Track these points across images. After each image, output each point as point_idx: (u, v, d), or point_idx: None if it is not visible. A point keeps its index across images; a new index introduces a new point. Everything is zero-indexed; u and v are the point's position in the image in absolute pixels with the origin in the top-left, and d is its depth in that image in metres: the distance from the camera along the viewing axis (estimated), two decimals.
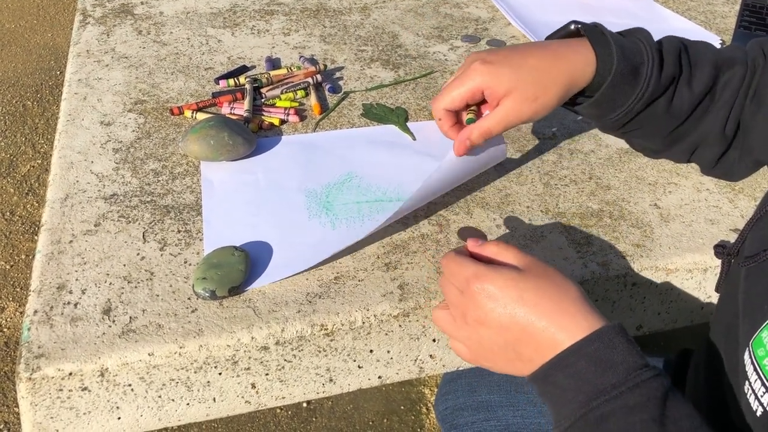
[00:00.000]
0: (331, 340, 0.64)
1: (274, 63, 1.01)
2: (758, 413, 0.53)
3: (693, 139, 0.74)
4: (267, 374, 0.64)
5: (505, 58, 0.69)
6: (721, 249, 0.66)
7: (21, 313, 1.83)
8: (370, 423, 1.61)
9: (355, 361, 0.66)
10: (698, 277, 0.73)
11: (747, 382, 0.54)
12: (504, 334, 0.57)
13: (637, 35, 0.73)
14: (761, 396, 0.52)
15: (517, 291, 0.57)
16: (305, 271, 0.68)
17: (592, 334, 0.53)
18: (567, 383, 0.53)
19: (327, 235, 0.71)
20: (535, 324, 0.55)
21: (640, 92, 0.69)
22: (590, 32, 0.71)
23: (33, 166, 2.31)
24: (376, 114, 0.91)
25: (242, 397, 0.65)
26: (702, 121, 0.73)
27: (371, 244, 0.71)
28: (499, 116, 0.69)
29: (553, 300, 0.56)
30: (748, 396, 0.54)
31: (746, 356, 0.54)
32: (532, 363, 0.56)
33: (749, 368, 0.54)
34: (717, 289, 0.68)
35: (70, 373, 0.58)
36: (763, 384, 0.52)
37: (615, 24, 1.16)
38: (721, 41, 1.10)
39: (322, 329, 0.63)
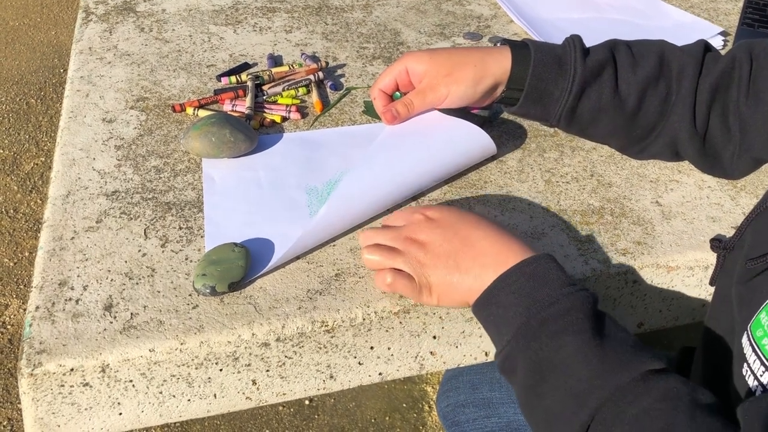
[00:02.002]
0: (332, 337, 0.64)
1: (275, 60, 1.01)
2: (757, 393, 0.53)
3: (667, 134, 0.77)
4: (268, 370, 0.64)
5: (428, 50, 0.80)
6: (716, 243, 0.67)
7: (24, 310, 1.83)
8: (372, 420, 1.61)
9: (355, 357, 0.66)
10: (699, 275, 0.73)
11: (746, 364, 0.54)
12: (446, 246, 0.64)
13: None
14: (760, 376, 0.52)
15: (455, 216, 0.66)
16: (292, 255, 0.68)
17: (530, 257, 0.61)
18: (508, 300, 0.59)
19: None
20: (475, 239, 0.63)
21: (569, 78, 0.74)
22: (509, 41, 0.78)
23: (36, 164, 2.31)
24: (377, 111, 0.90)
25: (243, 393, 0.65)
26: (667, 115, 0.76)
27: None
28: (418, 89, 0.79)
29: (492, 227, 0.65)
30: (747, 378, 0.54)
31: (744, 339, 0.55)
32: (468, 274, 0.62)
33: (747, 350, 0.54)
34: (712, 283, 0.68)
35: (72, 369, 0.58)
36: (763, 363, 0.52)
37: (618, 20, 1.16)
38: (723, 38, 1.10)
39: (322, 326, 0.63)
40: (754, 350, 0.53)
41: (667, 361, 0.55)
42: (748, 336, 0.54)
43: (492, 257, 0.62)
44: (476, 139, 0.78)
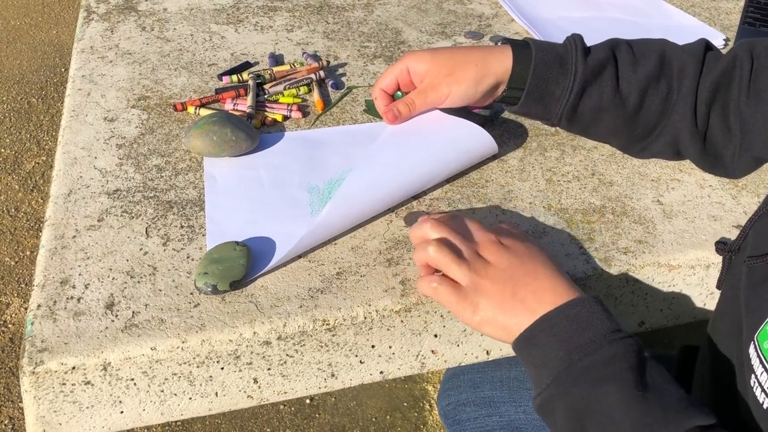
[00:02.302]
0: (333, 335, 0.64)
1: (277, 59, 1.01)
2: (765, 406, 0.53)
3: (668, 133, 0.76)
4: (269, 369, 0.64)
5: (429, 50, 0.79)
6: (722, 246, 0.67)
7: (26, 309, 1.83)
8: (373, 419, 1.61)
9: (356, 356, 0.67)
10: (701, 274, 0.73)
11: (753, 376, 0.54)
12: (509, 272, 0.62)
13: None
14: None
15: (526, 248, 0.64)
16: (294, 254, 0.68)
17: (574, 299, 0.59)
18: (549, 342, 0.57)
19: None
20: (539, 273, 0.62)
21: (571, 77, 0.74)
22: (510, 40, 0.78)
23: (38, 163, 2.31)
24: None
25: (244, 391, 0.65)
26: (668, 114, 0.75)
27: (373, 239, 0.71)
28: (419, 89, 0.78)
29: (556, 268, 0.63)
30: (754, 389, 0.54)
31: (751, 350, 0.54)
32: (523, 305, 0.60)
33: (755, 361, 0.54)
34: (718, 286, 0.68)
35: (73, 367, 0.59)
36: None
37: (620, 20, 1.16)
38: (725, 38, 1.10)
39: (323, 324, 0.63)
40: (761, 362, 0.53)
41: (667, 360, 0.54)
42: (755, 346, 0.54)
43: (551, 294, 0.60)
44: (478, 139, 0.79)
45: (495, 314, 0.60)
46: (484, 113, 0.84)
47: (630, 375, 0.54)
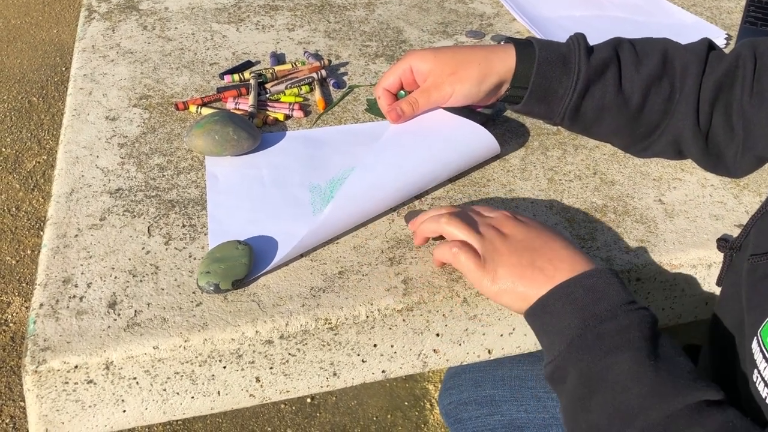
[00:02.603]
0: (335, 335, 0.64)
1: (278, 58, 1.01)
2: None
3: (670, 132, 0.76)
4: (271, 368, 0.64)
5: (432, 49, 0.79)
6: (723, 243, 0.67)
7: (27, 308, 1.83)
8: (374, 419, 1.61)
9: (359, 355, 0.67)
10: (702, 273, 0.73)
11: (756, 371, 0.54)
12: (526, 242, 0.63)
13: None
14: None
15: (541, 224, 0.66)
16: (295, 252, 0.68)
17: (590, 270, 0.59)
18: (564, 309, 0.58)
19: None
20: (556, 244, 0.62)
21: (574, 77, 0.74)
22: (513, 39, 0.78)
23: (38, 162, 2.31)
24: (380, 109, 0.91)
25: (246, 390, 0.65)
26: (670, 113, 0.76)
27: (374, 239, 0.71)
28: (423, 88, 0.78)
29: (572, 243, 0.64)
30: (757, 384, 0.54)
31: (754, 345, 0.54)
32: (542, 273, 0.60)
33: (758, 356, 0.54)
34: (718, 283, 0.68)
35: (76, 366, 0.59)
36: None
37: (621, 18, 1.16)
38: (726, 35, 1.10)
39: (326, 323, 0.63)
40: (765, 357, 0.53)
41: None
42: (758, 342, 0.54)
43: (568, 263, 0.60)
44: (480, 139, 0.79)
45: (514, 283, 0.61)
46: (486, 112, 0.84)
47: (643, 344, 0.54)
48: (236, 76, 0.95)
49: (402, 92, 0.81)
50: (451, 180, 0.80)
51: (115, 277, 0.66)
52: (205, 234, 0.71)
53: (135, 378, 0.61)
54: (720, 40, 1.09)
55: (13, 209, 2.13)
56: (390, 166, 0.75)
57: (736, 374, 0.60)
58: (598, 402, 0.54)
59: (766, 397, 0.53)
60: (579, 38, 0.77)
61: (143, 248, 0.69)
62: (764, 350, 0.53)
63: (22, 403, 1.60)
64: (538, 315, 0.60)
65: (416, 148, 0.77)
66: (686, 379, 0.53)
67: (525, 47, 0.76)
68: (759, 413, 0.55)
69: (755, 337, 0.55)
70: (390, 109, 0.79)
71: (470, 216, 0.66)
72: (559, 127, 0.89)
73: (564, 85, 0.75)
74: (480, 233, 0.64)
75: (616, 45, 0.77)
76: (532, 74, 0.74)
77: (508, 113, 0.91)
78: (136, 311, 0.63)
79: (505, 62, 0.75)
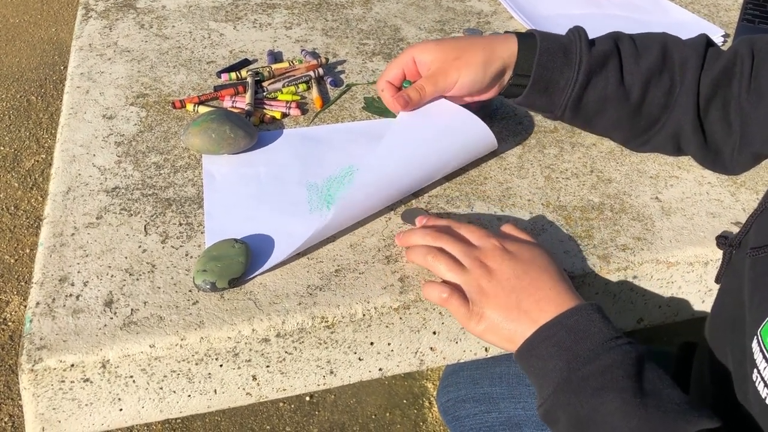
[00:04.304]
0: (332, 333, 0.64)
1: (275, 56, 1.01)
2: (767, 400, 0.53)
3: (670, 126, 0.76)
4: (268, 366, 0.64)
5: (433, 40, 0.79)
6: (723, 240, 0.67)
7: (25, 306, 1.83)
8: (373, 417, 1.61)
9: (355, 353, 0.67)
10: (699, 271, 0.73)
11: (755, 370, 0.54)
12: (513, 281, 0.61)
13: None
14: None
15: (529, 254, 0.64)
16: (297, 252, 0.68)
17: (571, 308, 0.59)
18: (548, 352, 0.58)
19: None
20: (543, 282, 0.62)
21: (575, 68, 0.74)
22: (513, 32, 0.78)
23: (37, 161, 2.31)
24: (377, 107, 0.91)
25: (243, 389, 0.65)
26: (670, 107, 0.75)
27: (371, 237, 0.71)
28: (429, 75, 0.77)
29: (559, 274, 0.63)
30: (756, 384, 0.54)
31: (754, 344, 0.54)
32: (527, 315, 0.60)
33: (758, 356, 0.54)
34: (717, 280, 0.68)
35: (72, 365, 0.59)
36: None
37: (619, 17, 1.16)
38: (723, 33, 1.10)
39: (322, 321, 0.64)
40: (764, 356, 0.53)
41: (666, 357, 0.54)
42: (758, 341, 0.54)
43: (554, 304, 0.60)
44: (478, 134, 0.78)
45: (500, 324, 0.61)
46: (484, 107, 0.84)
47: (628, 383, 0.54)
48: (233, 75, 0.95)
49: (406, 83, 0.80)
50: (448, 178, 0.80)
51: (112, 276, 0.66)
52: (202, 232, 0.71)
53: (131, 376, 0.61)
54: (718, 38, 1.09)
55: (12, 208, 2.13)
56: (392, 166, 0.74)
57: (734, 373, 0.60)
58: None
59: (765, 398, 0.53)
60: (579, 30, 0.77)
61: (140, 247, 0.69)
62: (764, 350, 0.53)
63: (20, 402, 1.60)
64: (525, 358, 0.59)
65: (417, 147, 0.77)
66: (676, 413, 0.52)
67: (526, 37, 0.76)
68: (757, 413, 0.55)
69: (755, 337, 0.55)
70: (398, 96, 0.77)
71: (457, 245, 0.65)
72: (556, 125, 0.89)
73: (565, 76, 0.75)
74: (466, 269, 0.63)
75: (616, 38, 0.77)
76: (534, 64, 0.74)
77: (505, 111, 0.91)
78: (132, 310, 0.63)
79: (508, 47, 0.75)
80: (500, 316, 0.61)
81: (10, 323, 1.79)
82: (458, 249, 0.64)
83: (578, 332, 0.57)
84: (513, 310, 0.60)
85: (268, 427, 1.58)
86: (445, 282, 0.63)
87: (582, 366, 0.56)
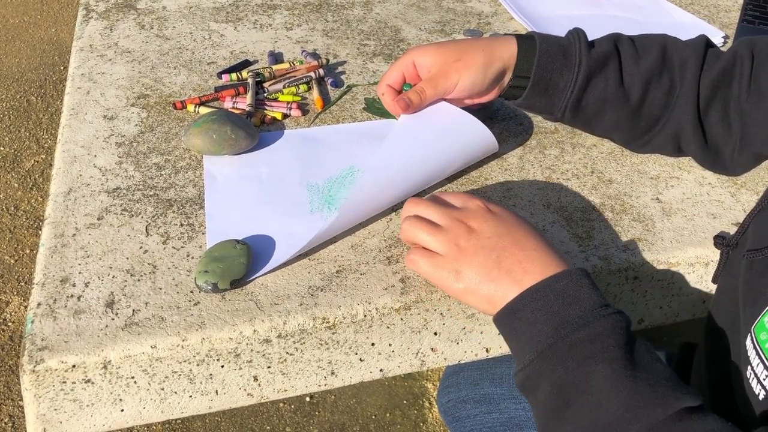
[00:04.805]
0: (333, 333, 0.64)
1: (276, 57, 1.01)
2: (761, 397, 0.53)
3: (671, 126, 0.76)
4: (269, 367, 0.64)
5: (432, 43, 0.79)
6: (720, 240, 0.67)
7: (25, 307, 1.83)
8: (373, 417, 1.61)
9: (356, 354, 0.67)
10: (700, 271, 0.73)
11: (749, 367, 0.54)
12: (495, 240, 0.60)
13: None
14: (764, 379, 0.52)
15: (514, 218, 0.63)
16: (300, 254, 0.68)
17: (561, 272, 0.57)
18: (534, 316, 0.56)
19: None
20: (527, 243, 0.60)
21: (575, 69, 0.74)
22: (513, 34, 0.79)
23: (37, 161, 2.31)
24: (378, 108, 0.91)
25: (244, 389, 0.65)
26: (671, 107, 0.76)
27: (372, 237, 0.72)
28: (429, 77, 0.77)
29: (545, 241, 0.62)
30: (750, 381, 0.54)
31: (748, 342, 0.55)
32: (509, 275, 0.58)
33: (751, 353, 0.54)
34: (714, 281, 0.69)
35: (74, 366, 0.59)
36: (766, 367, 0.52)
37: (619, 18, 1.16)
38: (723, 35, 1.10)
39: (323, 322, 0.64)
40: (758, 354, 0.53)
41: (666, 358, 0.54)
42: (752, 339, 0.54)
43: (539, 266, 0.58)
44: (479, 136, 0.78)
45: (478, 283, 0.59)
46: (483, 109, 0.84)
47: (619, 353, 0.52)
48: (234, 75, 0.95)
49: (406, 87, 0.80)
50: (449, 179, 0.80)
51: (113, 277, 0.66)
52: (203, 233, 0.71)
53: (133, 377, 0.61)
54: (718, 40, 1.09)
55: (12, 208, 2.13)
56: (394, 168, 0.74)
57: (730, 372, 0.60)
58: (573, 414, 0.52)
59: (759, 394, 0.53)
60: (579, 32, 0.77)
61: (141, 247, 0.69)
62: (757, 347, 0.53)
63: (21, 403, 1.60)
64: (506, 320, 0.57)
65: (419, 149, 0.77)
66: (665, 387, 0.51)
67: (525, 39, 0.76)
68: (752, 411, 0.55)
69: (749, 334, 0.55)
70: (399, 99, 0.77)
71: (434, 208, 0.64)
72: (557, 126, 0.89)
73: (565, 78, 0.75)
74: (443, 229, 0.62)
75: (615, 39, 0.77)
76: (533, 66, 0.74)
77: (506, 113, 0.91)
78: (133, 310, 0.63)
79: (508, 48, 0.75)
80: (478, 275, 0.59)
81: (10, 324, 1.79)
82: (435, 212, 0.63)
83: (567, 297, 0.55)
84: (493, 269, 0.58)
85: (268, 427, 1.58)
86: (422, 250, 0.62)
87: (571, 332, 0.54)
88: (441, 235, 0.61)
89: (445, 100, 0.79)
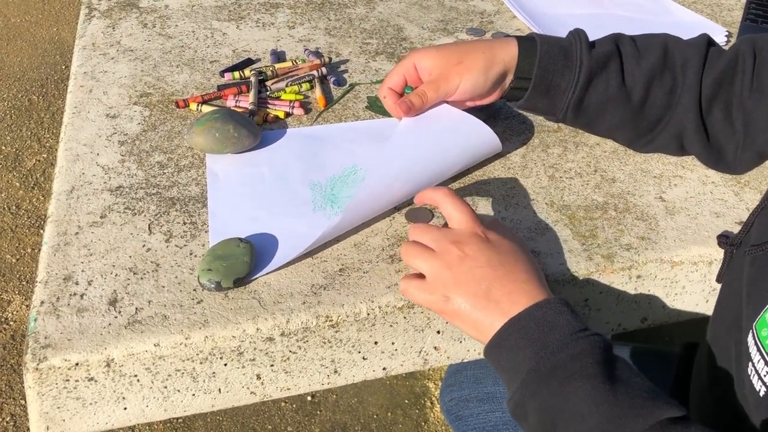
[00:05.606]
0: (336, 332, 0.64)
1: (279, 56, 1.01)
2: (761, 393, 0.53)
3: (673, 126, 0.76)
4: (272, 365, 0.64)
5: (433, 46, 0.79)
6: (724, 239, 0.67)
7: (27, 306, 1.83)
8: (375, 416, 1.61)
9: (359, 352, 0.67)
10: (703, 270, 0.73)
11: (750, 363, 0.54)
12: (486, 270, 0.61)
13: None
14: (764, 376, 0.52)
15: (510, 246, 0.63)
16: (304, 253, 0.68)
17: (540, 301, 0.59)
18: (517, 344, 0.57)
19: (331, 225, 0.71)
20: (517, 275, 0.61)
21: (576, 70, 0.74)
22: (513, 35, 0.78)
23: (39, 160, 2.31)
24: (380, 107, 0.90)
25: (247, 388, 0.65)
26: (673, 106, 0.75)
27: (375, 236, 0.71)
28: (430, 80, 0.77)
29: (535, 267, 0.63)
30: (751, 377, 0.54)
31: (749, 338, 0.55)
32: (497, 306, 0.59)
33: (752, 349, 0.54)
34: (718, 280, 0.68)
35: (77, 364, 0.59)
36: (767, 363, 0.52)
37: (622, 17, 1.16)
38: (726, 33, 1.10)
39: (327, 321, 0.63)
40: (759, 350, 0.53)
41: (669, 357, 0.54)
42: (753, 335, 0.54)
43: (526, 297, 0.59)
44: (483, 137, 0.78)
45: (468, 311, 0.60)
46: (485, 110, 0.84)
47: (597, 369, 0.54)
48: (236, 74, 0.95)
49: (407, 89, 0.81)
50: (452, 177, 0.79)
51: (116, 275, 0.66)
52: (206, 231, 0.71)
53: (136, 375, 0.61)
54: (720, 38, 1.09)
55: (14, 207, 2.13)
56: (398, 169, 0.74)
57: (731, 369, 0.60)
58: None
59: (759, 390, 0.53)
60: (579, 33, 0.77)
61: (144, 246, 0.69)
62: (759, 343, 0.53)
63: (22, 401, 1.60)
64: (494, 352, 0.59)
65: (422, 150, 0.77)
66: (645, 399, 0.52)
67: (526, 41, 0.76)
68: (752, 408, 0.55)
69: (750, 330, 0.55)
70: (400, 102, 0.77)
71: (429, 232, 0.64)
72: (560, 125, 0.89)
73: (566, 79, 0.75)
74: (436, 253, 0.62)
75: (616, 39, 0.77)
76: (535, 67, 0.74)
77: (508, 111, 0.91)
78: (136, 308, 0.63)
79: (509, 50, 0.75)
80: (467, 303, 0.60)
81: (11, 323, 1.79)
82: (430, 236, 0.64)
83: (546, 324, 0.57)
84: (481, 299, 0.59)
85: (269, 426, 1.58)
86: (416, 278, 0.63)
87: (550, 356, 0.55)
88: (434, 260, 0.62)
89: (447, 102, 0.79)
